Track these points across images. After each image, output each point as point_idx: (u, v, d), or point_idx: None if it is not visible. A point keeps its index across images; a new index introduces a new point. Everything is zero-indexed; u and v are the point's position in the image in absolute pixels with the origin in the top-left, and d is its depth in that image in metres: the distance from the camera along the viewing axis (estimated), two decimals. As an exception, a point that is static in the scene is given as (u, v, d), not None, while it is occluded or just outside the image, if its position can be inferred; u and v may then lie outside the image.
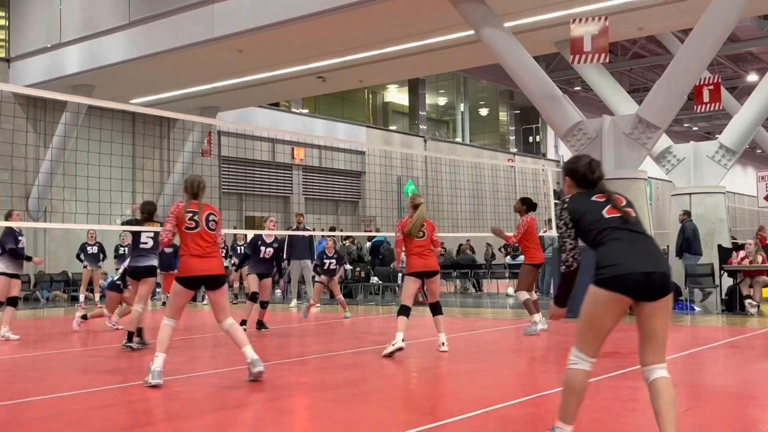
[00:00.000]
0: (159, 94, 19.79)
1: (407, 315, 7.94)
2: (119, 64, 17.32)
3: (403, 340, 7.80)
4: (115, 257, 16.66)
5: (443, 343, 8.03)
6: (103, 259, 16.16)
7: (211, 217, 6.40)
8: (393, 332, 7.76)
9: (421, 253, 8.05)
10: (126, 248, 16.95)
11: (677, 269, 15.14)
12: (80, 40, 18.03)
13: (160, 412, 5.52)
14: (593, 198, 3.88)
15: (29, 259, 10.44)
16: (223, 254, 17.25)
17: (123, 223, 9.63)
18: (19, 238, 9.97)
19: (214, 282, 6.32)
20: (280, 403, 5.62)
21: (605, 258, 3.66)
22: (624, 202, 3.85)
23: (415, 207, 8.15)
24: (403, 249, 8.16)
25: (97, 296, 16.80)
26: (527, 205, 9.99)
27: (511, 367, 7.24)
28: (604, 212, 3.79)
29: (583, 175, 3.95)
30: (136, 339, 8.68)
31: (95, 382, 6.72)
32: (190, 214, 6.31)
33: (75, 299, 18.03)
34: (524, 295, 9.75)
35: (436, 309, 8.19)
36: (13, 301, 10.09)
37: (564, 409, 3.83)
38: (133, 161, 22.06)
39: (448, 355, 8.12)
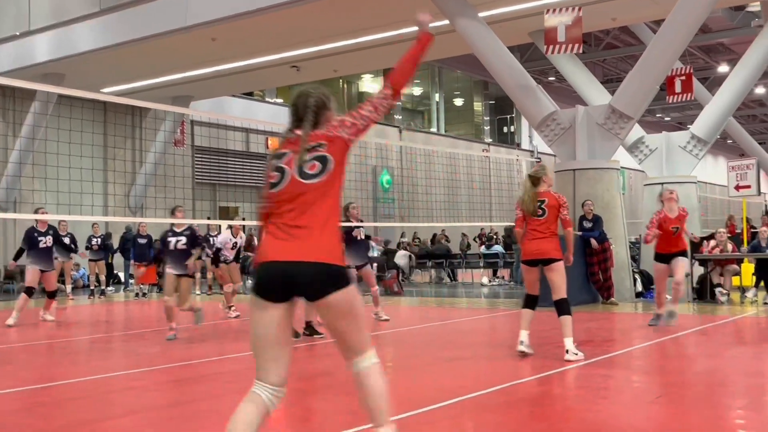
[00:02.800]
0: (131, 83, 19.54)
1: (531, 307, 6.90)
2: (90, 53, 17.05)
3: (521, 342, 6.76)
4: (87, 248, 16.45)
5: (567, 351, 6.52)
6: (75, 251, 15.93)
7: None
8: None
9: (536, 236, 6.77)
10: (99, 239, 16.76)
11: (649, 258, 15.34)
12: (50, 27, 17.73)
13: (134, 403, 5.47)
14: None
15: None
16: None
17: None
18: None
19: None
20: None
21: None
22: None
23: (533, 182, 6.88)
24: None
25: (68, 287, 16.60)
26: None
27: (486, 357, 7.27)
28: None
29: None
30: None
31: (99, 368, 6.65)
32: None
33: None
34: None
35: (560, 307, 6.69)
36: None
37: None
38: (104, 151, 21.79)
39: (424, 345, 8.13)
